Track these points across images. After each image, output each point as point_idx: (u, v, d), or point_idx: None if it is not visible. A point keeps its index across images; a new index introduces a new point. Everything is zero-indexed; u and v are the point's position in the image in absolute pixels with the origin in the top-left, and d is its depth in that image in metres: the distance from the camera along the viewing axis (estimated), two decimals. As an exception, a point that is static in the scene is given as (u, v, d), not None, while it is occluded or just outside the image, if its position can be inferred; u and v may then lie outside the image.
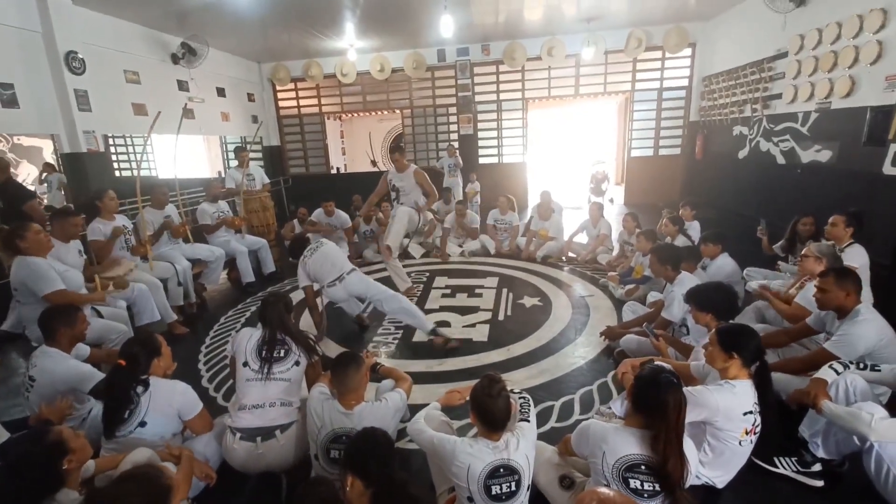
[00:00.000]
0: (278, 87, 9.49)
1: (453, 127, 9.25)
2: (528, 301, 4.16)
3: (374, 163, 11.88)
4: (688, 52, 8.06)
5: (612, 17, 7.28)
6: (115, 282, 3.14)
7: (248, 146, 5.75)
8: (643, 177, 8.87)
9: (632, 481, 1.48)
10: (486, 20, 7.10)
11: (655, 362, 1.80)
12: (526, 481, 1.58)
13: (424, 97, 9.24)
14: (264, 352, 2.03)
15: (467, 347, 3.33)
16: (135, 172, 5.68)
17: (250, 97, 8.97)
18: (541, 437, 2.07)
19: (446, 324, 3.71)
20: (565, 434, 1.86)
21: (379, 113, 11.01)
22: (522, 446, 1.58)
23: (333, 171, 10.27)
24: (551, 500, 1.75)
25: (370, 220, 5.97)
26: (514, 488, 1.54)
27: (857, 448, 1.81)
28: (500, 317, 3.86)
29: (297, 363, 2.07)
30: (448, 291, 4.51)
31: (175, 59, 6.64)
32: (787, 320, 2.68)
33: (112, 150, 6.32)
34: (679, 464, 1.45)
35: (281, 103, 9.69)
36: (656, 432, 1.47)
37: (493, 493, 1.52)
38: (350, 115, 10.85)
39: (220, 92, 8.00)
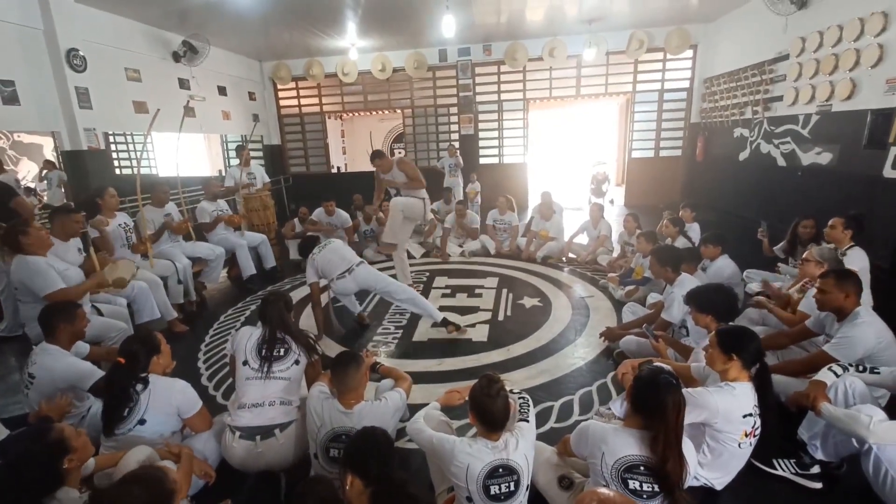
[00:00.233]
0: (279, 86, 9.49)
1: (454, 127, 9.25)
2: (528, 301, 4.16)
3: (374, 162, 11.87)
4: (689, 53, 8.06)
5: (614, 19, 7.28)
6: (115, 282, 3.13)
7: (248, 144, 5.73)
8: (644, 178, 8.88)
9: (631, 482, 1.48)
10: (487, 20, 7.11)
11: (655, 363, 1.80)
12: (525, 481, 1.58)
13: (425, 97, 9.24)
14: (264, 350, 2.03)
15: (467, 347, 3.34)
16: (135, 170, 5.68)
17: (251, 96, 8.97)
18: (540, 437, 2.07)
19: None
20: (564, 434, 1.86)
21: (380, 112, 11.01)
22: (521, 446, 1.58)
23: (334, 171, 10.28)
24: (550, 500, 1.75)
25: (370, 220, 5.97)
26: (513, 488, 1.54)
27: (855, 450, 1.81)
28: (500, 317, 3.86)
29: (296, 362, 2.07)
30: (448, 291, 4.51)
31: (176, 57, 6.64)
32: (789, 327, 2.67)
33: (112, 147, 6.32)
34: (678, 464, 1.45)
35: (282, 102, 9.69)
36: (655, 433, 1.47)
37: (492, 492, 1.52)
38: (351, 115, 10.85)
39: (222, 90, 8.00)
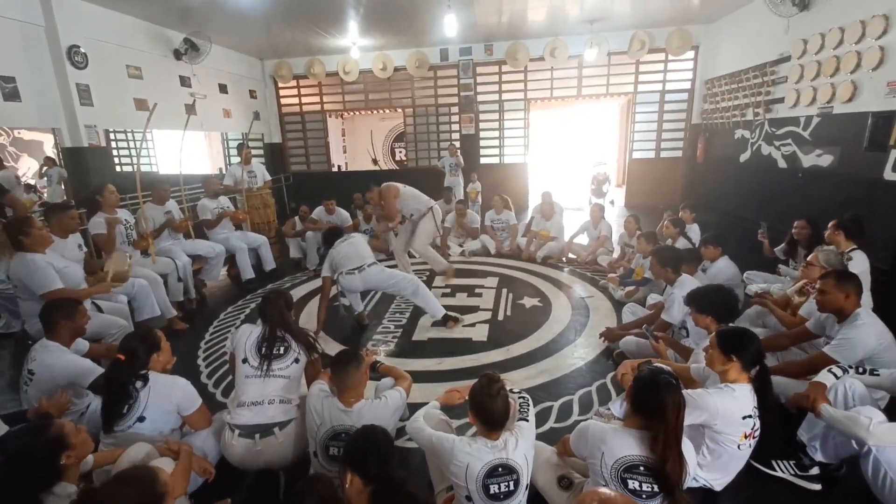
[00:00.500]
0: (280, 85, 9.49)
1: (455, 126, 9.25)
2: (528, 301, 4.16)
3: (375, 161, 11.89)
4: (690, 54, 8.06)
5: (616, 19, 7.28)
6: (114, 275, 3.13)
7: (247, 141, 5.71)
8: (644, 179, 8.88)
9: (630, 482, 1.48)
10: (489, 20, 7.10)
11: (654, 364, 1.80)
12: (524, 481, 1.58)
13: (426, 96, 9.24)
14: (264, 348, 2.03)
15: (467, 347, 3.33)
16: (136, 167, 5.67)
17: (252, 94, 8.96)
18: (539, 437, 2.07)
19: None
20: (564, 434, 1.86)
21: (381, 111, 11.02)
22: (521, 446, 1.58)
23: (335, 169, 10.28)
24: (550, 500, 1.75)
25: (370, 219, 5.96)
26: (512, 488, 1.54)
27: (855, 452, 1.81)
28: (500, 317, 3.86)
29: (296, 360, 2.07)
30: (448, 291, 4.51)
31: (177, 54, 6.63)
32: (787, 328, 2.67)
33: (113, 144, 6.32)
34: (678, 465, 1.45)
35: (283, 100, 9.68)
36: (655, 433, 1.47)
37: (492, 492, 1.52)
38: (352, 114, 10.85)
39: (223, 88, 8.00)
